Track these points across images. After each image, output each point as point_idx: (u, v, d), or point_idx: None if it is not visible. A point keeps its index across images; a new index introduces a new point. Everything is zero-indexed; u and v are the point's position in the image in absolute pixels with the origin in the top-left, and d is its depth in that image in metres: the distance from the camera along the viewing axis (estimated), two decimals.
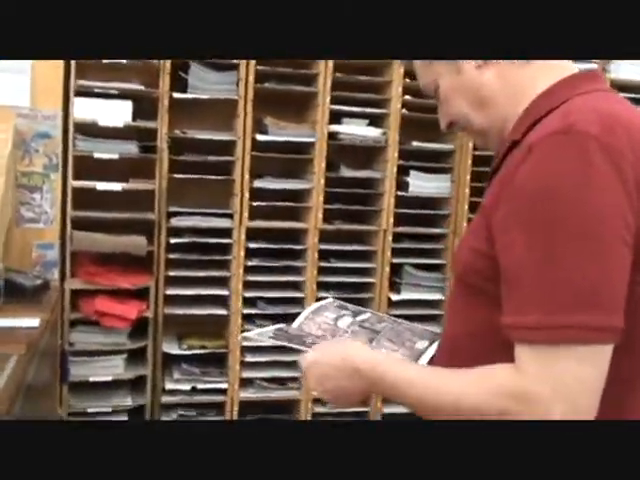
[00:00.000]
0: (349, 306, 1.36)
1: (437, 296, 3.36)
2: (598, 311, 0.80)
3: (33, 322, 2.15)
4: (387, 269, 3.27)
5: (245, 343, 3.14)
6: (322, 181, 3.13)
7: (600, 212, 0.80)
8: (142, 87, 2.93)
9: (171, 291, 3.04)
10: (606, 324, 0.81)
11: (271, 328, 1.27)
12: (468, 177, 3.27)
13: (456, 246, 1.06)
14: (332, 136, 3.14)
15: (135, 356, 3.03)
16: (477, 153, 3.24)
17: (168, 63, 2.89)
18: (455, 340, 1.02)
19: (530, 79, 0.98)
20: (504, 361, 0.87)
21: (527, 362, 0.83)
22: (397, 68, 3.13)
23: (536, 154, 0.84)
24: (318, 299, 3.23)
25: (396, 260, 3.29)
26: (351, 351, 1.03)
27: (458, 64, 1.00)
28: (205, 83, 2.97)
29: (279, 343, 1.19)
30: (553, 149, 0.83)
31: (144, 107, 2.95)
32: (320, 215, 3.16)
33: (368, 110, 3.20)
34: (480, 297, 0.94)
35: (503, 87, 0.99)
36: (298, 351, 1.15)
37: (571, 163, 0.81)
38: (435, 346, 1.21)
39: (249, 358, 3.16)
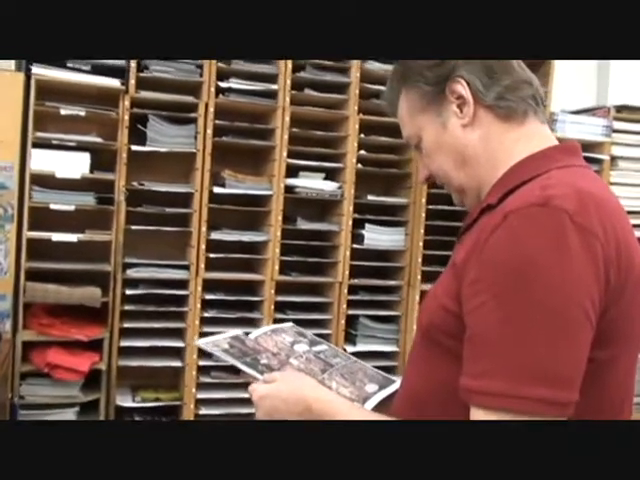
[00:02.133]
0: (307, 334, 1.39)
1: (392, 348, 3.40)
2: (559, 386, 0.81)
3: None
4: (342, 321, 3.30)
5: (199, 396, 3.12)
6: (279, 233, 3.17)
7: (569, 290, 0.82)
8: (100, 140, 2.96)
9: (125, 342, 3.02)
10: (564, 400, 0.82)
11: (227, 335, 1.28)
12: (422, 230, 3.35)
13: (424, 299, 1.10)
14: (289, 189, 3.19)
15: (87, 409, 2.98)
16: (431, 207, 3.33)
17: (127, 116, 2.93)
18: (415, 393, 1.02)
19: (512, 145, 1.00)
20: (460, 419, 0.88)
21: None
22: (353, 123, 3.22)
23: (511, 223, 0.85)
24: None
25: (351, 312, 3.32)
26: (307, 390, 1.04)
27: (444, 120, 1.02)
28: (163, 136, 3.01)
29: (231, 361, 1.18)
30: (528, 220, 0.84)
31: (102, 159, 2.97)
32: (277, 267, 3.19)
33: (324, 164, 3.27)
34: (443, 354, 0.95)
35: (485, 149, 1.01)
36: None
37: (545, 237, 0.83)
38: (385, 392, 1.23)
39: (204, 411, 3.13)
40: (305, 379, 1.12)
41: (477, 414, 0.85)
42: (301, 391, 1.04)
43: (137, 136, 2.99)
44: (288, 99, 3.14)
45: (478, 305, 0.86)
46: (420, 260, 3.36)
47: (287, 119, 3.14)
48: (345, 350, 3.29)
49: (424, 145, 1.07)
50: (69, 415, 2.91)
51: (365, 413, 1.05)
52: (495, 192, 0.97)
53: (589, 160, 3.44)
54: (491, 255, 0.85)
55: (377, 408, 1.16)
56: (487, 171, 1.01)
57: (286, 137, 3.15)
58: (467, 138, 1.01)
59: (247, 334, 1.32)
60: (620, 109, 3.66)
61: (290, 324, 1.42)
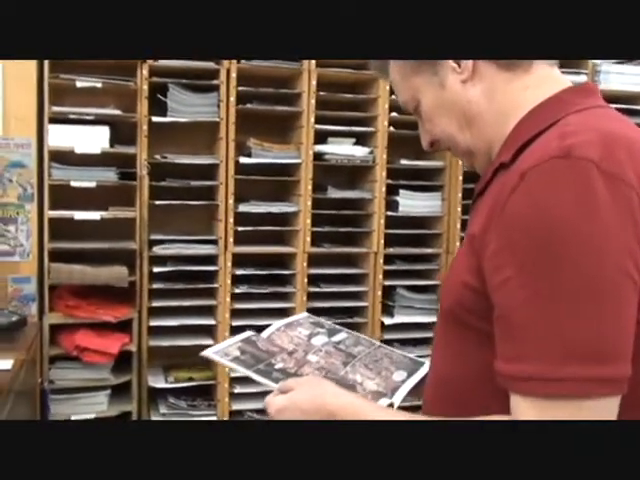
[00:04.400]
0: (325, 323, 1.30)
1: (431, 318, 3.25)
2: (606, 361, 0.72)
3: (5, 364, 2.02)
4: (379, 292, 3.16)
5: (233, 374, 3.02)
6: (309, 203, 3.03)
7: (605, 249, 0.72)
8: (119, 112, 2.83)
9: (155, 322, 2.92)
10: (616, 375, 0.72)
11: (238, 339, 1.19)
12: (459, 195, 3.18)
13: (444, 275, 0.98)
14: (318, 157, 3.04)
15: (119, 391, 2.90)
16: (468, 170, 3.15)
17: (146, 86, 2.79)
18: (445, 380, 0.93)
19: (520, 94, 0.89)
20: (498, 408, 0.79)
21: (521, 415, 0.75)
22: (383, 84, 3.04)
23: (530, 182, 0.75)
24: None
25: (388, 282, 3.18)
26: (327, 398, 0.94)
27: (441, 78, 0.91)
28: (185, 106, 2.87)
29: (243, 371, 1.10)
30: (549, 177, 0.74)
31: (122, 132, 2.86)
32: (308, 238, 3.05)
33: (354, 129, 3.10)
34: (472, 335, 0.85)
35: (490, 104, 0.90)
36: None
37: (570, 193, 0.72)
38: (414, 379, 1.14)
39: (238, 389, 3.03)
40: (324, 385, 1.00)
41: (519, 402, 0.76)
42: (321, 399, 0.94)
43: (157, 107, 2.85)
44: (314, 61, 2.97)
45: (503, 280, 0.76)
46: (459, 226, 3.19)
47: (313, 82, 2.98)
48: (383, 324, 3.16)
49: (423, 109, 0.96)
50: (100, 398, 2.83)
51: (391, 413, 0.94)
52: (507, 149, 0.86)
53: (633, 113, 3.23)
54: (510, 221, 0.75)
55: (411, 394, 1.10)
56: (495, 128, 0.90)
57: (313, 102, 2.98)
58: (469, 94, 0.90)
59: (259, 333, 1.22)
60: None
61: (305, 314, 1.34)
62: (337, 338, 1.26)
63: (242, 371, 1.10)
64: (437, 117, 0.95)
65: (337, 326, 1.31)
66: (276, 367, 1.12)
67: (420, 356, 3.37)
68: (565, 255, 0.72)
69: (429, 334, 3.24)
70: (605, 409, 0.73)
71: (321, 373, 1.13)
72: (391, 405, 1.08)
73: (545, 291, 0.73)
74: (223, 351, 1.16)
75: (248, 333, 1.23)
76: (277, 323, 1.28)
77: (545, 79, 0.90)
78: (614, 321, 0.72)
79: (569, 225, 0.72)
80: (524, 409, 0.75)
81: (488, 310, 0.80)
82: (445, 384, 0.93)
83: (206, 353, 1.16)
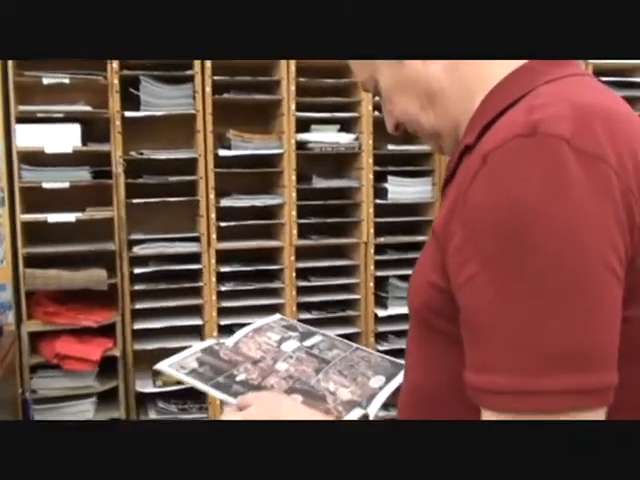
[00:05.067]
0: (298, 326, 1.20)
1: None
2: (586, 369, 0.61)
3: None
4: (371, 284, 3.05)
5: None
6: (294, 195, 2.92)
7: (582, 238, 0.60)
8: (90, 108, 2.72)
9: (139, 325, 2.81)
10: (597, 385, 0.61)
11: (198, 349, 1.09)
12: None
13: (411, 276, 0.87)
14: (301, 145, 2.93)
15: (106, 398, 2.80)
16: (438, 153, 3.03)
17: (117, 80, 2.68)
18: (417, 387, 0.82)
19: (486, 68, 0.77)
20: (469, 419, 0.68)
21: None
22: None
23: (492, 166, 0.64)
24: (300, 321, 3.01)
25: (380, 273, 3.07)
26: (283, 415, 0.86)
27: None
28: (159, 99, 2.75)
29: (198, 386, 0.99)
30: (513, 158, 0.63)
31: (94, 129, 2.74)
32: (295, 231, 2.94)
33: (338, 115, 2.99)
34: (441, 339, 0.74)
35: (452, 79, 0.79)
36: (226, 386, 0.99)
37: (538, 176, 0.61)
38: (393, 384, 1.05)
39: None
40: (281, 401, 0.92)
41: (489, 418, 0.65)
42: (277, 416, 0.87)
43: (130, 101, 2.74)
44: None
45: (467, 278, 0.65)
46: None
47: (292, 69, 2.86)
48: (377, 316, 3.05)
49: (382, 88, 0.86)
50: (86, 406, 2.73)
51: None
52: (472, 128, 0.75)
53: (623, 85, 3.10)
54: (472, 211, 0.64)
55: (390, 400, 1.01)
56: (460, 105, 0.79)
57: (293, 88, 2.87)
58: (430, 70, 0.79)
59: (221, 343, 1.12)
60: None
61: (277, 316, 1.23)
62: (310, 342, 1.16)
63: (198, 386, 1.01)
64: (397, 96, 0.84)
65: (312, 328, 1.21)
66: (237, 379, 1.02)
67: None
68: (535, 246, 0.61)
69: None
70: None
71: (288, 383, 1.04)
72: (365, 416, 0.98)
73: (514, 289, 0.62)
74: (179, 364, 1.05)
75: (211, 341, 1.13)
76: (245, 328, 1.18)
77: None
78: (596, 321, 0.61)
79: (538, 212, 0.61)
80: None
81: (455, 312, 0.70)
82: (418, 391, 0.83)
83: (159, 367, 1.06)
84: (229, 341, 1.12)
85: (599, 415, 0.62)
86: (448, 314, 0.71)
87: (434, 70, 0.79)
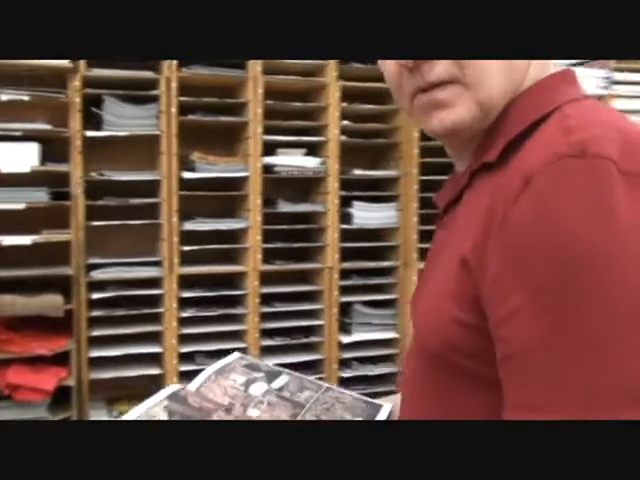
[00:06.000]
0: (261, 365, 1.11)
1: (391, 334, 3.12)
2: None
3: None
4: (335, 310, 3.01)
5: None
6: (259, 218, 2.86)
7: (633, 269, 0.57)
8: (50, 126, 2.61)
9: (96, 353, 2.70)
10: None
11: (162, 396, 0.97)
12: (415, 204, 3.05)
13: (414, 309, 0.81)
14: (267, 169, 2.87)
15: None
16: (424, 178, 3.03)
17: (78, 98, 2.58)
18: None
19: (525, 68, 0.72)
20: None
21: None
22: (333, 92, 2.89)
23: (538, 188, 0.59)
24: (262, 348, 2.96)
25: (344, 299, 3.03)
26: None
27: None
28: (122, 118, 2.66)
29: None
30: (562, 180, 0.59)
31: (53, 149, 2.63)
32: (259, 256, 2.88)
33: (304, 139, 2.95)
34: (464, 378, 0.69)
35: (526, 65, 0.72)
36: None
37: (590, 201, 0.58)
38: None
39: None
40: None
41: None
42: None
43: (92, 120, 2.64)
44: (259, 68, 2.80)
45: (511, 311, 0.60)
46: (415, 237, 3.06)
47: (260, 91, 2.81)
48: (340, 343, 3.00)
49: (475, 65, 0.71)
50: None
51: None
52: (491, 144, 0.70)
53: None
54: (516, 236, 0.60)
55: None
56: (511, 90, 0.71)
57: (260, 111, 2.82)
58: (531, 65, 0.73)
59: (184, 389, 1.02)
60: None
61: (237, 355, 1.13)
62: (278, 384, 1.07)
63: None
64: (495, 78, 0.72)
65: (275, 367, 1.12)
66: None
67: (381, 375, 3.21)
68: (590, 277, 0.57)
69: (389, 351, 3.12)
70: None
71: None
72: None
73: (569, 324, 0.58)
74: (147, 414, 0.94)
75: (173, 387, 1.03)
76: (206, 371, 1.07)
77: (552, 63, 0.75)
78: None
79: (589, 239, 0.58)
80: None
81: (484, 350, 0.65)
82: None
83: (127, 419, 0.96)
84: (191, 386, 1.03)
85: None
86: (475, 352, 0.66)
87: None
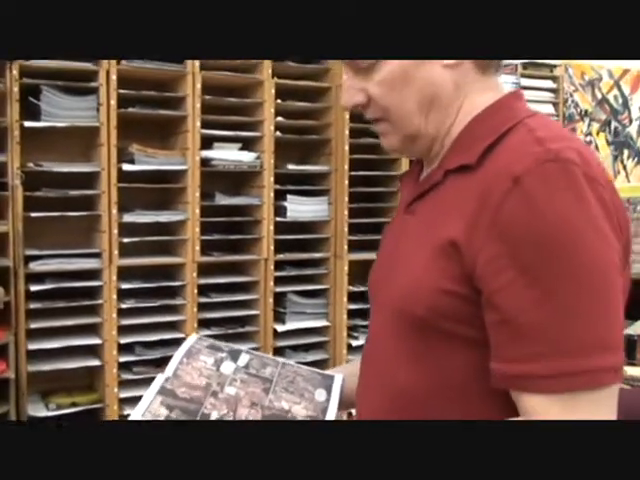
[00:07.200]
0: (221, 345, 1.15)
1: (322, 322, 3.25)
2: (612, 352, 0.76)
3: None
4: (270, 300, 3.11)
5: (123, 395, 2.83)
6: (197, 211, 2.91)
7: (604, 248, 0.77)
8: None
9: (34, 345, 2.66)
10: (619, 364, 0.77)
11: (154, 391, 1.01)
12: (346, 198, 3.19)
13: (377, 280, 0.96)
14: (204, 162, 2.93)
15: None
16: (354, 173, 3.18)
17: (16, 88, 2.55)
18: (404, 392, 0.89)
19: (479, 95, 0.90)
20: (486, 411, 0.81)
21: (544, 413, 0.76)
22: (269, 88, 2.99)
23: (527, 186, 0.76)
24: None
25: (279, 289, 3.13)
26: None
27: None
28: (60, 109, 2.65)
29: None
30: (546, 180, 0.76)
31: None
32: (197, 247, 2.94)
33: (240, 133, 3.03)
34: (450, 342, 0.84)
35: (457, 97, 0.89)
36: None
37: (568, 196, 0.76)
38: (335, 396, 1.07)
39: (129, 410, 2.84)
40: None
41: (539, 401, 0.77)
42: None
43: (30, 110, 2.62)
44: (198, 64, 2.86)
45: (506, 283, 0.77)
46: (346, 229, 3.21)
47: (198, 86, 2.87)
48: (275, 331, 3.10)
49: (384, 70, 0.87)
50: None
51: None
52: (467, 149, 0.86)
53: None
54: (512, 226, 0.77)
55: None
56: (448, 120, 0.90)
57: (198, 105, 2.87)
58: (446, 79, 0.88)
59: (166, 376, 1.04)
60: (526, 65, 3.66)
61: (195, 337, 1.15)
62: (243, 361, 1.12)
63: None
64: (400, 87, 0.87)
65: (234, 346, 1.16)
66: (212, 419, 0.98)
67: (313, 362, 3.31)
68: (571, 255, 0.74)
69: (321, 338, 3.24)
70: (614, 397, 0.77)
71: (259, 412, 1.01)
72: None
73: (555, 291, 0.75)
74: (149, 412, 0.97)
75: (159, 379, 1.03)
76: (176, 356, 1.09)
77: (498, 84, 0.92)
78: (616, 312, 0.77)
79: (572, 225, 0.75)
80: (546, 407, 0.76)
81: (473, 316, 0.80)
82: (406, 394, 0.89)
83: (132, 418, 0.97)
84: (168, 372, 1.05)
85: (616, 391, 0.78)
86: (464, 318, 0.81)
87: (449, 81, 0.88)
